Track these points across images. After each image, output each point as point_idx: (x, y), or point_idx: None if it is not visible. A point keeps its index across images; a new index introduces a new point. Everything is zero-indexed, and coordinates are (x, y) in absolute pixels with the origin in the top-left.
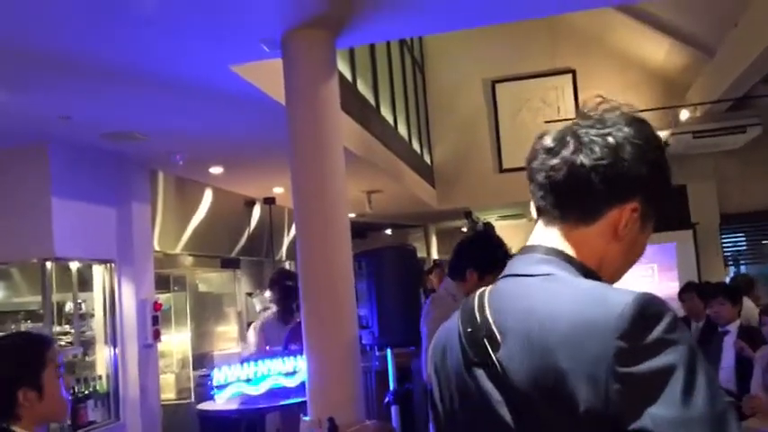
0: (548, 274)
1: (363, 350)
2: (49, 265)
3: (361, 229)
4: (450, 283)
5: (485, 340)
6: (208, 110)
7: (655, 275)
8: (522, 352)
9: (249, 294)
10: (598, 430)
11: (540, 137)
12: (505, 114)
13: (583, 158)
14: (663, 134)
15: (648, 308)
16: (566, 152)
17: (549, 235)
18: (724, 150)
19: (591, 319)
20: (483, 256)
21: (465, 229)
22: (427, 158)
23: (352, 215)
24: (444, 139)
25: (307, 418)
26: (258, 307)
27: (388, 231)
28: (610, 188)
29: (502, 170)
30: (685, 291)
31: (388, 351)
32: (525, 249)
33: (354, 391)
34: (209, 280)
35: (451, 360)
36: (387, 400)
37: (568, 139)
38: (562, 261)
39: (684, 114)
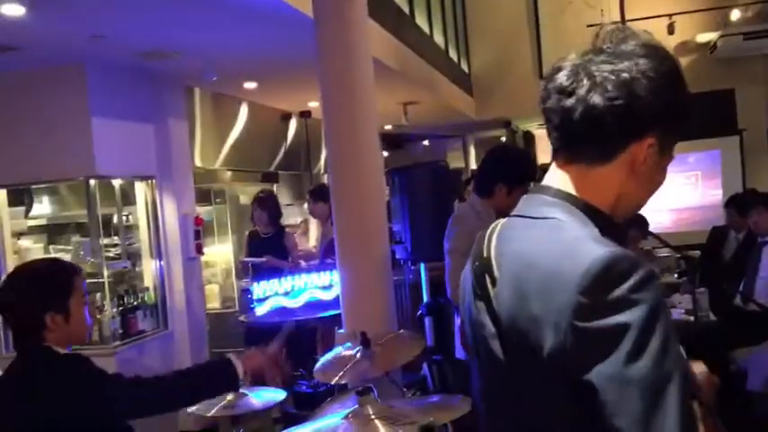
0: (546, 218)
1: (397, 264)
2: (92, 182)
3: (398, 141)
4: (475, 198)
5: (486, 276)
6: (238, 26)
7: (698, 184)
8: (508, 292)
9: (289, 205)
10: (557, 375)
11: (553, 73)
12: (546, 18)
13: (597, 99)
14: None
15: (615, 266)
16: (580, 92)
17: (562, 176)
18: None
19: (560, 272)
20: (511, 169)
21: (504, 139)
22: (465, 67)
23: (388, 127)
24: (483, 47)
25: (341, 331)
26: (299, 219)
27: (426, 142)
28: (625, 127)
29: (542, 77)
30: (727, 205)
31: (422, 265)
32: (536, 189)
33: (387, 304)
34: (250, 193)
35: (467, 290)
36: (420, 312)
37: (582, 77)
38: (569, 204)
39: (735, 14)
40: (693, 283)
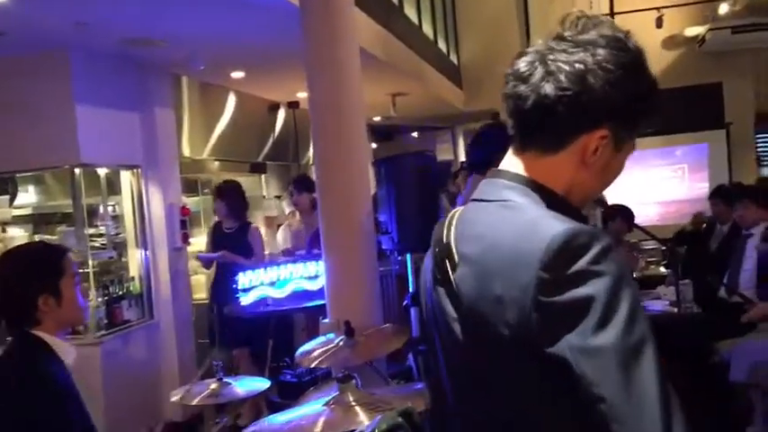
0: (505, 201)
1: (384, 255)
2: (77, 171)
3: (386, 132)
4: (476, 180)
5: (446, 261)
6: (224, 14)
7: (685, 177)
8: (471, 275)
9: (277, 198)
10: (523, 355)
11: (516, 59)
12: (536, 8)
13: (548, 88)
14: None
15: (574, 240)
16: (533, 80)
17: (517, 162)
18: (763, 47)
19: (522, 249)
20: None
21: None
22: (454, 58)
23: (377, 118)
24: (472, 37)
25: (325, 321)
26: (287, 210)
27: (415, 134)
28: (576, 118)
29: None
30: (712, 196)
31: (408, 256)
32: (494, 173)
33: (372, 294)
34: None
35: (427, 277)
36: (405, 302)
37: (537, 65)
38: (525, 187)
39: (724, 8)
40: (677, 275)
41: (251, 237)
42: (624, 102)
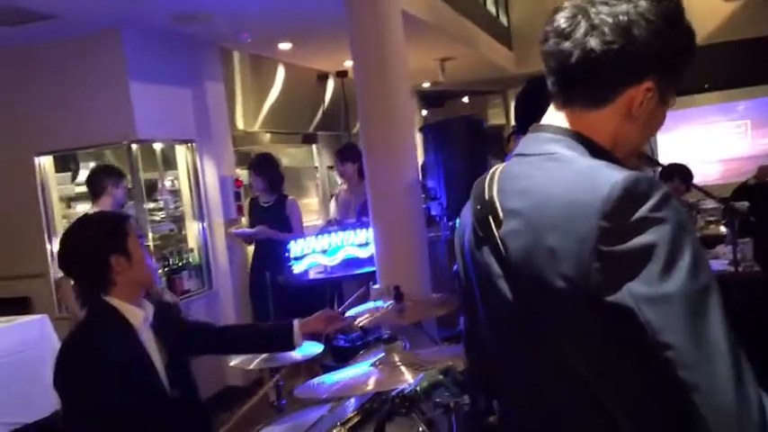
0: (551, 153)
1: (433, 221)
2: (134, 146)
3: (437, 98)
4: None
5: (489, 218)
6: None
7: (747, 133)
8: (519, 230)
9: (330, 168)
10: (577, 305)
11: (553, 16)
12: None
13: (593, 42)
14: None
15: (634, 188)
16: (577, 35)
17: (560, 117)
18: None
19: (579, 201)
20: None
21: None
22: (504, 20)
23: (426, 84)
24: None
25: (376, 286)
26: (340, 179)
27: (465, 99)
28: (622, 71)
29: None
30: None
31: (457, 220)
32: (536, 128)
33: (420, 260)
34: (290, 155)
35: (467, 237)
36: (455, 268)
37: (580, 19)
38: (571, 140)
39: None
40: (734, 232)
41: (289, 210)
42: (668, 53)
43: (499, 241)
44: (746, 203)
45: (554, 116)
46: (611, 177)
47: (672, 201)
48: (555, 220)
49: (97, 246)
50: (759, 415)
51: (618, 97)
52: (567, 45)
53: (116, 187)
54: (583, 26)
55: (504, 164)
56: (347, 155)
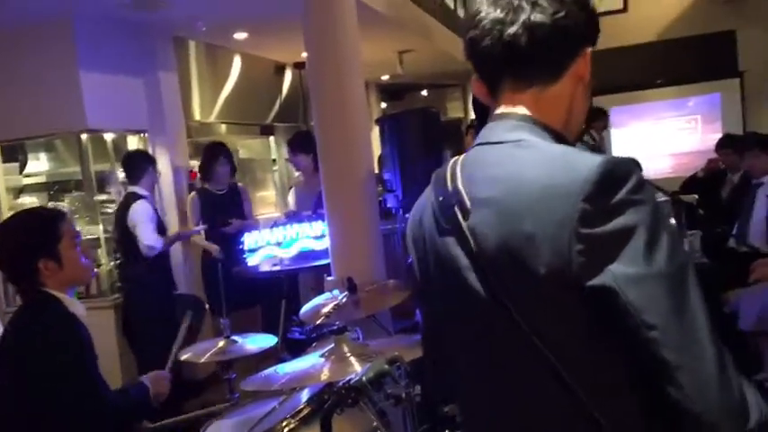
0: (519, 140)
1: (389, 213)
2: (84, 136)
3: (397, 91)
4: None
5: (455, 208)
6: None
7: (698, 128)
8: (491, 218)
9: (287, 160)
10: (557, 291)
11: (479, 16)
12: None
13: (540, 17)
14: None
15: (614, 170)
16: (523, 16)
17: (519, 103)
18: None
19: (557, 184)
20: None
21: None
22: (461, 13)
23: (385, 77)
24: None
25: (330, 278)
26: (296, 172)
27: (424, 92)
28: (570, 37)
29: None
30: (721, 146)
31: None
32: (497, 117)
33: (374, 252)
34: (246, 146)
35: (426, 228)
36: (409, 259)
37: (518, 3)
38: (535, 127)
39: None
40: (681, 224)
41: (243, 197)
42: (591, 16)
43: (467, 232)
44: (695, 196)
45: (512, 104)
46: (588, 161)
47: (647, 184)
48: (532, 205)
49: (24, 251)
50: (739, 395)
51: (572, 64)
52: (513, 29)
53: (155, 170)
54: (525, 7)
55: (463, 155)
56: (298, 145)
